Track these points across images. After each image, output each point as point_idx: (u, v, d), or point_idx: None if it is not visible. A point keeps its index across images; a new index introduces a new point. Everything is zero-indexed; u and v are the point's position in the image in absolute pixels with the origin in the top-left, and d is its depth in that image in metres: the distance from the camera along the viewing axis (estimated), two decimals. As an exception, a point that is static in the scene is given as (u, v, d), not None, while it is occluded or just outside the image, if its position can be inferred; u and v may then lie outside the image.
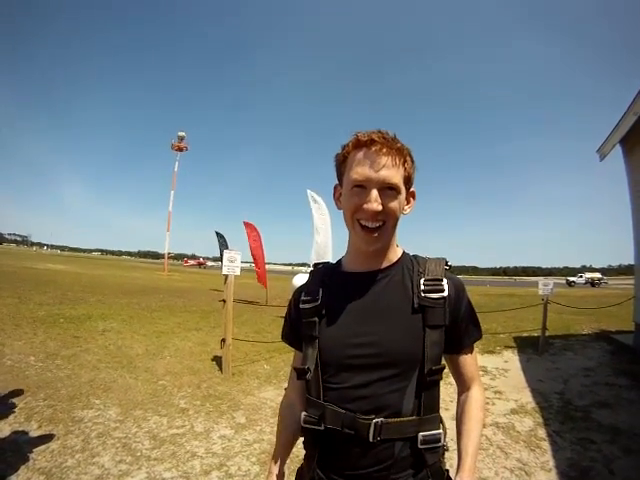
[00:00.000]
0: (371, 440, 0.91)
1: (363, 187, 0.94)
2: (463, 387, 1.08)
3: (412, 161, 1.00)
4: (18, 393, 4.11)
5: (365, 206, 0.92)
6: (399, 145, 0.95)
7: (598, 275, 52.22)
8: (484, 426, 3.79)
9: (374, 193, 0.92)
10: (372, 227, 0.94)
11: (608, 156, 8.13)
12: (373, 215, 0.93)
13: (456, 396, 1.10)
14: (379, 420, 0.92)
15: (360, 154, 0.95)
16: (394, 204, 0.94)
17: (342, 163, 1.01)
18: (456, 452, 1.02)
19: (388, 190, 0.93)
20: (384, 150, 0.92)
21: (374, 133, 0.94)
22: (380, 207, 0.92)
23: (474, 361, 1.08)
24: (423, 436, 0.94)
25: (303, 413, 1.03)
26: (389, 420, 0.93)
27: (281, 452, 1.14)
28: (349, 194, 0.97)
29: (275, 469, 1.11)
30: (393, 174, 0.92)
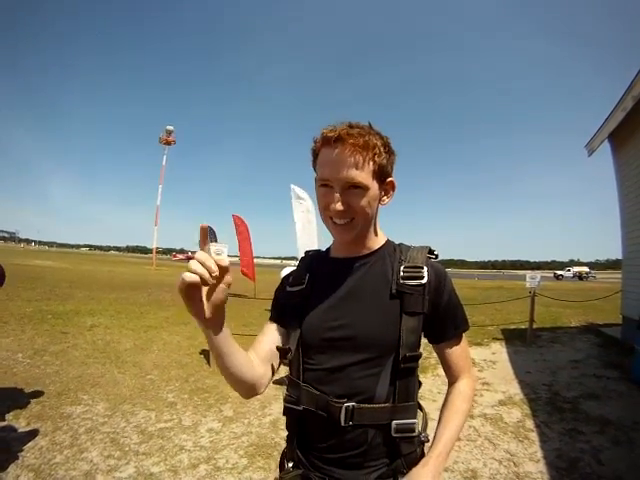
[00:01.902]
0: (342, 424, 0.92)
1: (329, 186, 0.94)
2: (451, 379, 1.07)
3: (387, 151, 0.96)
4: (6, 390, 4.05)
5: (331, 206, 0.94)
6: (366, 139, 0.91)
7: (586, 269, 53.07)
8: (472, 417, 3.82)
9: (337, 195, 0.92)
10: (340, 224, 0.96)
11: (596, 151, 8.20)
12: (339, 214, 0.94)
13: (444, 387, 1.09)
14: (350, 405, 0.92)
15: (325, 152, 0.94)
16: (360, 202, 0.93)
17: (315, 159, 1.00)
18: None
19: (353, 189, 0.92)
20: (348, 148, 0.90)
21: (340, 129, 0.91)
22: (342, 207, 0.93)
23: (463, 353, 1.06)
24: (397, 424, 0.93)
25: (285, 392, 1.05)
26: (361, 405, 0.93)
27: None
28: (318, 192, 0.99)
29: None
30: (357, 173, 0.91)
